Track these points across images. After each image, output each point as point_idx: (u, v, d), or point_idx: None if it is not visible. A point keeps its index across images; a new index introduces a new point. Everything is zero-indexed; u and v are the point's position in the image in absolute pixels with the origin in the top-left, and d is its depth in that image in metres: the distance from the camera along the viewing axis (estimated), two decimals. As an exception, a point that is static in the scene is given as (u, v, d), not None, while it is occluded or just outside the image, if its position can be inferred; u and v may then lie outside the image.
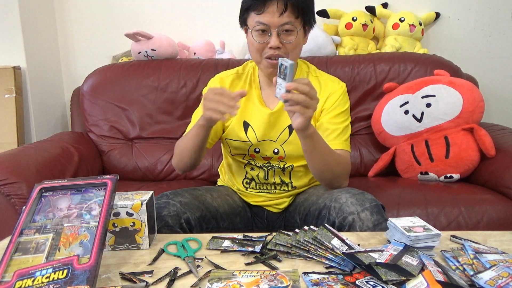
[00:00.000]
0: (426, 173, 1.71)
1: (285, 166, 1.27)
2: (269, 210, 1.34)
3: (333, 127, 1.22)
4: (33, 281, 0.73)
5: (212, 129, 1.21)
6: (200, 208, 1.16)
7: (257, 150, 1.26)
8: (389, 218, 0.93)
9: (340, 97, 1.25)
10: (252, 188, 1.32)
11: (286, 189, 1.30)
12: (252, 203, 1.34)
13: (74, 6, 2.31)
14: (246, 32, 1.21)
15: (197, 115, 1.29)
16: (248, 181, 1.32)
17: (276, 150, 1.25)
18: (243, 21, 1.20)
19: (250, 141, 1.25)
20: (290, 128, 1.24)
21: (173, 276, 0.81)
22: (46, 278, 0.73)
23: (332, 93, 1.25)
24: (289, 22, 1.13)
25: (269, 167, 1.28)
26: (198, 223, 1.13)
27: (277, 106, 1.24)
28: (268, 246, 0.92)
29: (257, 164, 1.28)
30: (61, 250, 0.82)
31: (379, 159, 1.86)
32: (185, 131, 1.29)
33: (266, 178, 1.29)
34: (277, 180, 1.29)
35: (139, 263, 0.87)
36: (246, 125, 1.26)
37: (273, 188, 1.30)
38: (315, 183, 1.33)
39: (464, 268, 0.78)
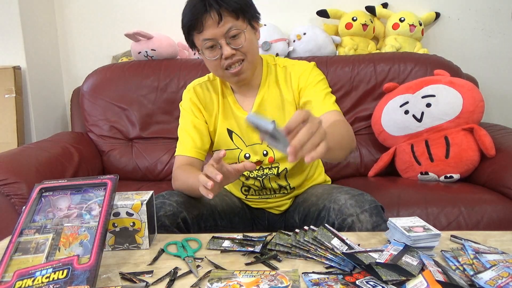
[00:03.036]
0: (426, 173, 1.71)
1: (279, 172, 1.25)
2: (270, 212, 1.33)
3: (316, 95, 1.18)
4: (33, 281, 0.73)
5: (203, 143, 1.23)
6: (197, 207, 1.15)
7: (247, 155, 1.24)
8: (389, 218, 0.93)
9: (311, 71, 1.22)
10: (252, 195, 1.32)
11: (286, 191, 1.30)
12: (252, 206, 1.34)
13: (74, 6, 2.32)
14: (198, 53, 1.18)
15: (184, 121, 1.26)
16: (247, 189, 1.31)
17: (265, 152, 1.24)
18: (191, 44, 1.17)
19: (239, 148, 1.24)
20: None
21: (173, 276, 0.81)
22: (46, 278, 0.73)
23: (301, 72, 1.21)
24: (232, 27, 1.09)
25: (264, 176, 1.26)
26: (196, 221, 1.13)
27: (254, 108, 1.22)
28: (268, 246, 0.92)
29: (250, 174, 1.26)
30: (61, 250, 0.82)
31: (379, 159, 1.86)
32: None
33: (262, 186, 1.28)
34: (275, 186, 1.28)
35: (139, 263, 0.87)
36: (230, 133, 1.25)
37: (272, 192, 1.30)
38: (313, 182, 1.33)
39: (464, 268, 0.78)
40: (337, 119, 1.12)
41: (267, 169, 1.25)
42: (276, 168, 1.25)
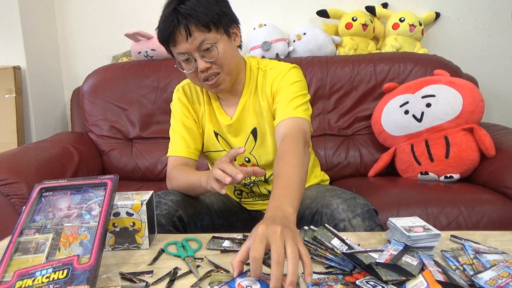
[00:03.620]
0: (426, 173, 1.71)
1: (267, 177, 1.25)
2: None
3: (282, 99, 1.12)
4: (33, 281, 0.73)
5: (196, 142, 1.22)
6: (193, 205, 1.15)
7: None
8: (389, 218, 0.93)
9: (285, 74, 1.15)
10: (245, 198, 1.32)
11: None
12: (249, 208, 1.34)
13: (74, 6, 2.32)
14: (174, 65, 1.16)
15: (175, 121, 1.25)
16: (239, 192, 1.31)
17: (247, 159, 1.23)
18: (172, 55, 1.15)
19: (225, 150, 1.23)
20: (254, 133, 1.21)
21: (173, 276, 0.81)
22: (46, 278, 0.73)
23: (275, 76, 1.16)
24: (203, 41, 1.06)
25: (252, 184, 1.26)
26: (192, 220, 1.12)
27: (236, 115, 1.20)
28: (268, 246, 0.91)
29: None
30: (61, 250, 0.81)
31: (379, 159, 1.86)
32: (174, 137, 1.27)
33: (252, 192, 1.28)
34: (264, 191, 1.28)
35: (139, 263, 0.87)
36: (216, 135, 1.24)
37: (264, 197, 1.30)
38: (308, 184, 1.31)
39: (464, 268, 0.78)
40: (286, 133, 1.04)
41: (254, 176, 1.20)
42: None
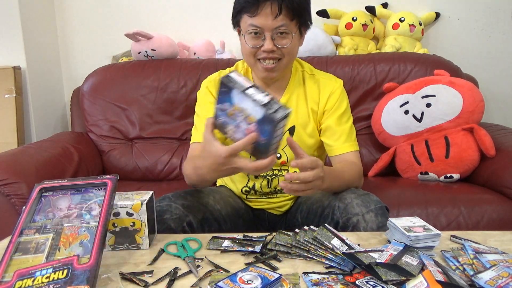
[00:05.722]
0: (426, 173, 1.71)
1: None
2: (270, 213, 1.33)
3: (341, 129, 1.22)
4: (33, 281, 0.73)
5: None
6: (203, 211, 1.14)
7: None
8: (389, 218, 0.93)
9: (340, 96, 1.24)
10: (252, 196, 1.32)
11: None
12: (253, 206, 1.34)
13: (74, 6, 2.31)
14: (239, 33, 1.18)
15: (200, 108, 1.24)
16: (248, 189, 1.30)
17: (278, 155, 1.23)
18: (236, 23, 1.17)
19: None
20: (291, 130, 1.23)
21: (173, 276, 0.81)
22: (46, 278, 0.73)
23: (332, 92, 1.23)
24: (284, 25, 1.09)
25: (273, 176, 1.26)
26: (200, 225, 1.12)
27: None
28: (268, 246, 0.92)
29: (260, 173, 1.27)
30: (61, 250, 0.82)
31: (379, 159, 1.86)
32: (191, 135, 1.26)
33: (269, 186, 1.28)
34: (279, 187, 1.28)
35: (139, 263, 0.87)
36: None
37: (274, 194, 1.30)
38: None
39: (464, 268, 0.79)
40: (351, 160, 1.20)
41: (277, 170, 1.25)
42: (286, 171, 1.25)
